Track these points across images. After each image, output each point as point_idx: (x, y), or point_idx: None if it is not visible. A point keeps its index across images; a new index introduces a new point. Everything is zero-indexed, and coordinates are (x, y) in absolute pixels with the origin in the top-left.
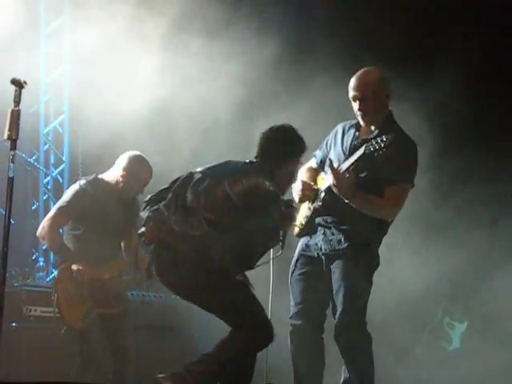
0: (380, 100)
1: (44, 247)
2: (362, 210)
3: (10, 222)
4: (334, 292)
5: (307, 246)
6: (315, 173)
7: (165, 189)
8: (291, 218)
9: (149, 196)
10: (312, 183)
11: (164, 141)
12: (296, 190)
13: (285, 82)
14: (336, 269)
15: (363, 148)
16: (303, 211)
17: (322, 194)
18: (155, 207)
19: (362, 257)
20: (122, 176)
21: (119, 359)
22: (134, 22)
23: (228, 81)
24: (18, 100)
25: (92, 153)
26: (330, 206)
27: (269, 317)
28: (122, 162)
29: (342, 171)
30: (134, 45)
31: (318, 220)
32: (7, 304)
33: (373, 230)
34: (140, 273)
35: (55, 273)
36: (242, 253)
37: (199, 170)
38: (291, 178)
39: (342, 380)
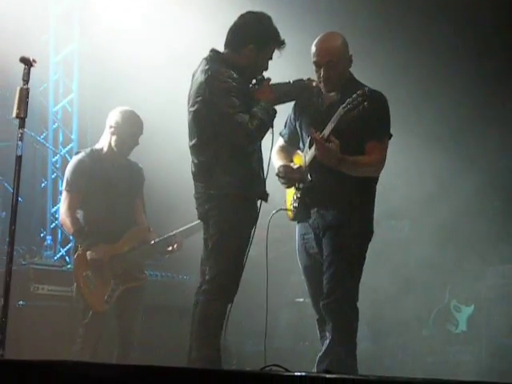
0: (344, 64)
1: (52, 226)
2: (350, 173)
3: (18, 200)
4: (325, 266)
5: (305, 235)
6: (289, 152)
7: None
8: (265, 88)
9: None
10: (291, 164)
11: (176, 118)
12: (279, 176)
13: None
14: (328, 243)
15: (340, 109)
16: (292, 194)
17: (308, 170)
18: None
19: (356, 227)
20: (110, 134)
21: (124, 341)
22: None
23: None
24: (26, 78)
25: (101, 131)
26: (319, 180)
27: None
28: (108, 121)
29: (324, 139)
30: (143, 21)
31: (309, 200)
32: (15, 282)
33: (364, 192)
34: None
35: (63, 251)
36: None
37: None
38: (255, 66)
39: (324, 346)
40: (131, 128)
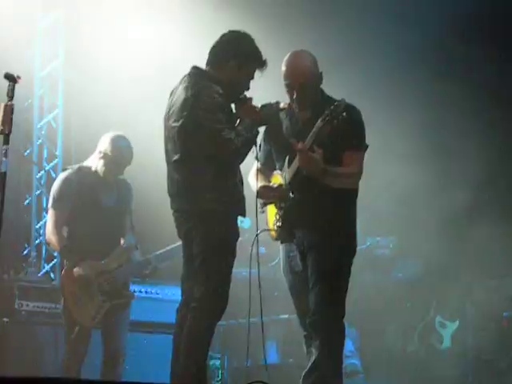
0: (316, 83)
1: (36, 242)
2: (332, 184)
3: (1, 216)
4: (311, 284)
5: (290, 253)
6: (266, 174)
7: None
8: (249, 107)
9: None
10: (270, 184)
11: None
12: (260, 197)
13: None
14: (313, 260)
15: (319, 122)
16: (274, 214)
17: (289, 188)
18: None
19: (340, 243)
20: (99, 158)
21: (110, 357)
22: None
23: None
24: (11, 95)
25: (86, 148)
26: (300, 197)
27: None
28: (99, 144)
29: (307, 149)
30: (129, 37)
31: (292, 219)
32: None
33: (346, 208)
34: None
35: (47, 268)
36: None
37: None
38: (236, 83)
39: (310, 363)
40: (119, 159)
